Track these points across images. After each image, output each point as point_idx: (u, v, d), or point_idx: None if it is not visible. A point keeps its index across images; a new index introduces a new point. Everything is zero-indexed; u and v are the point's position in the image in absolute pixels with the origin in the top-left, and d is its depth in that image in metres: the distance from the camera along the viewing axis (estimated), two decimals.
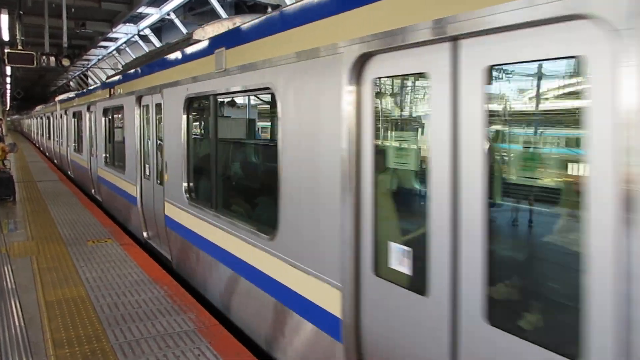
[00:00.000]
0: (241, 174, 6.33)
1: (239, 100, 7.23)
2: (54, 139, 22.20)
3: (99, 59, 27.01)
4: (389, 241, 2.96)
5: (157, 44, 19.66)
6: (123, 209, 9.54)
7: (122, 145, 9.30)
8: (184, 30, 16.51)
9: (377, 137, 3.04)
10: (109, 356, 4.12)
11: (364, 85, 3.08)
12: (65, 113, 17.62)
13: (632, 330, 1.81)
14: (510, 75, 2.42)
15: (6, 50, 12.46)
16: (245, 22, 4.67)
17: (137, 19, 17.90)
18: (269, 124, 7.31)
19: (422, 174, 2.84)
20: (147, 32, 18.90)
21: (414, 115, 3.10)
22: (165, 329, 4.66)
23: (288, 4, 11.14)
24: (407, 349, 2.84)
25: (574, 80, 2.19)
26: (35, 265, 6.60)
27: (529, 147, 2.49)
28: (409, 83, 3.07)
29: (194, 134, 6.39)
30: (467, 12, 2.30)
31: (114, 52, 24.20)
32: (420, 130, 2.98)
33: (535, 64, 2.29)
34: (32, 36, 17.12)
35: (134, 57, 14.37)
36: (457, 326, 2.52)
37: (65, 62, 12.61)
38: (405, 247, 2.87)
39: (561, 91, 2.31)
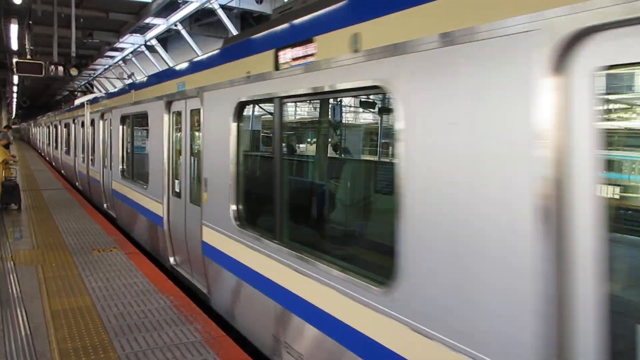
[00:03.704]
0: (143, 159, 9.69)
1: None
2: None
3: (105, 69, 27.17)
4: (175, 179, 6.86)
5: (163, 54, 19.78)
6: (92, 188, 13.87)
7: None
8: (190, 41, 16.60)
9: (170, 143, 7.17)
10: None
11: (170, 114, 7.08)
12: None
13: None
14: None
15: (15, 60, 12.56)
16: (144, 77, 9.40)
17: (144, 29, 17.99)
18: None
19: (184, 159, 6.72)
20: (154, 42, 19.00)
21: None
22: (172, 339, 4.64)
23: None
24: (176, 220, 6.81)
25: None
26: (40, 274, 6.60)
27: (193, 154, 6.50)
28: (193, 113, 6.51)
29: (125, 137, 10.30)
30: (173, 92, 6.76)
31: (120, 62, 24.35)
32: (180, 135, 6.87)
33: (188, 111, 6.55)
34: (41, 45, 17.22)
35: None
36: (186, 207, 6.44)
37: (73, 72, 12.65)
38: (177, 180, 6.77)
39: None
